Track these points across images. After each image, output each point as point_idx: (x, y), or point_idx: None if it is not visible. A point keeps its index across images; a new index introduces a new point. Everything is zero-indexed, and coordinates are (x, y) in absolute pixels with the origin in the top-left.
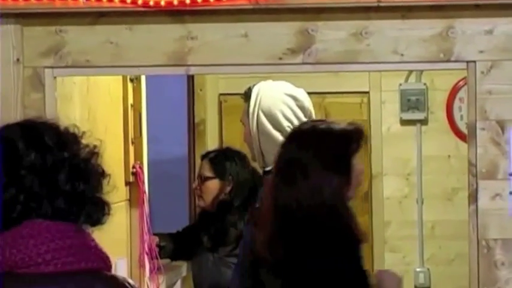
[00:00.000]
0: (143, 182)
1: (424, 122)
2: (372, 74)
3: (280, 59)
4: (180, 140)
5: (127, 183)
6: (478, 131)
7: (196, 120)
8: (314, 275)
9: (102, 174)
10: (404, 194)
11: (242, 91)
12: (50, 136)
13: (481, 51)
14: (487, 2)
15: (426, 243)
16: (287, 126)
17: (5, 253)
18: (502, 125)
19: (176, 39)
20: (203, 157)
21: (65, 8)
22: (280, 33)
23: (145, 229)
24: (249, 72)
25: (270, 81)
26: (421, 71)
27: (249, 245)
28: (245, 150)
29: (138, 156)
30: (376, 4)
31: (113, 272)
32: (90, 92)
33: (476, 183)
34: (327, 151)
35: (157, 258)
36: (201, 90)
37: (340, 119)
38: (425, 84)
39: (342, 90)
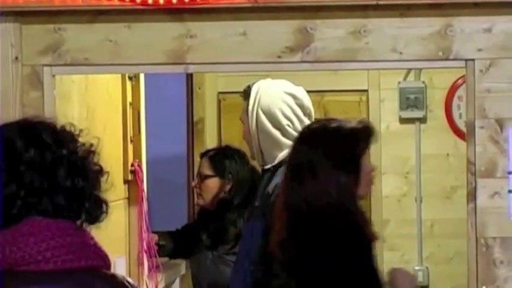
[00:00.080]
0: (142, 180)
1: (423, 120)
2: (370, 72)
3: (279, 57)
4: (179, 138)
5: (126, 181)
6: (476, 129)
7: (195, 119)
8: (326, 275)
9: (100, 171)
10: (403, 192)
11: (241, 89)
12: (48, 134)
13: (480, 50)
14: (486, 0)
15: (425, 241)
16: (286, 125)
17: (5, 251)
18: (500, 123)
19: (175, 38)
20: (202, 155)
21: (64, 6)
22: (278, 32)
23: (144, 227)
24: (247, 70)
25: (269, 80)
26: (420, 69)
27: (255, 241)
28: (244, 148)
29: (137, 154)
30: (374, 2)
31: (112, 270)
32: (88, 90)
33: (475, 182)
34: (335, 150)
35: (156, 257)
36: (199, 88)
37: (351, 118)
38: (424, 82)
39: (340, 88)
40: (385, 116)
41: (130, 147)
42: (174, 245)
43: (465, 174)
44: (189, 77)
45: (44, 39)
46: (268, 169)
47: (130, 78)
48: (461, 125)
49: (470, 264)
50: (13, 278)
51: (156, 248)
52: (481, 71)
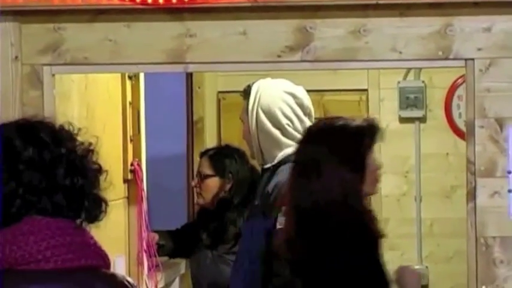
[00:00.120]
0: (141, 180)
1: (422, 119)
2: (370, 72)
3: (279, 56)
4: (178, 137)
5: (125, 180)
6: (476, 128)
7: (194, 118)
8: (333, 273)
9: (99, 170)
10: (403, 191)
11: (241, 89)
12: (46, 133)
13: (480, 49)
14: (486, 0)
15: (424, 241)
16: (286, 124)
17: (5, 250)
18: (500, 122)
19: (175, 37)
20: (202, 154)
21: (63, 5)
22: (278, 31)
23: (144, 227)
24: (247, 70)
25: (269, 79)
26: (420, 69)
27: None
28: (244, 147)
29: (137, 153)
30: (374, 2)
31: (112, 269)
32: (88, 90)
33: (475, 181)
34: (341, 148)
35: (155, 256)
36: (199, 87)
37: (357, 116)
38: (423, 82)
39: (340, 88)
40: (385, 116)
41: (130, 146)
42: (174, 244)
43: (465, 173)
44: (189, 76)
45: (43, 39)
46: (268, 168)
47: (130, 78)
48: (461, 124)
49: (470, 263)
50: (13, 277)
51: (155, 247)
52: (480, 70)
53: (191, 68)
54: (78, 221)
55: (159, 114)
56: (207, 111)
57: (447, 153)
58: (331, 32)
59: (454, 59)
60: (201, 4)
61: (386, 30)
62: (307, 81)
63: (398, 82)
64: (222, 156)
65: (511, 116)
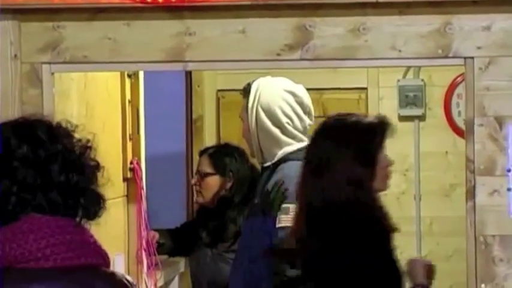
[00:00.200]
0: (141, 178)
1: (422, 118)
2: (369, 70)
3: (278, 55)
4: (177, 136)
5: (125, 179)
6: (476, 127)
7: (194, 116)
8: (344, 270)
9: (97, 167)
10: (402, 190)
11: (240, 87)
12: (43, 131)
13: (479, 48)
14: None
15: (424, 239)
16: (286, 123)
17: (5, 248)
18: (500, 121)
19: (174, 35)
20: (202, 153)
21: (63, 3)
22: (278, 29)
23: (143, 225)
24: (247, 68)
25: (269, 78)
26: (419, 67)
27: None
28: (243, 146)
29: (136, 152)
30: (373, 0)
31: (111, 268)
32: (87, 88)
33: (474, 180)
34: (352, 144)
35: (155, 254)
36: (199, 86)
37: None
38: (423, 80)
39: (339, 86)
40: (384, 114)
41: (129, 145)
42: (173, 243)
43: (464, 172)
44: (188, 74)
45: (43, 37)
46: (268, 167)
47: (129, 76)
48: (460, 122)
49: (469, 262)
50: (13, 275)
51: (155, 245)
52: (480, 68)
53: (190, 67)
54: (77, 219)
55: (159, 113)
56: (207, 109)
57: (446, 152)
58: (330, 30)
59: (454, 57)
60: (200, 2)
61: (385, 28)
62: (307, 79)
63: (398, 80)
64: (222, 155)
65: (511, 114)
